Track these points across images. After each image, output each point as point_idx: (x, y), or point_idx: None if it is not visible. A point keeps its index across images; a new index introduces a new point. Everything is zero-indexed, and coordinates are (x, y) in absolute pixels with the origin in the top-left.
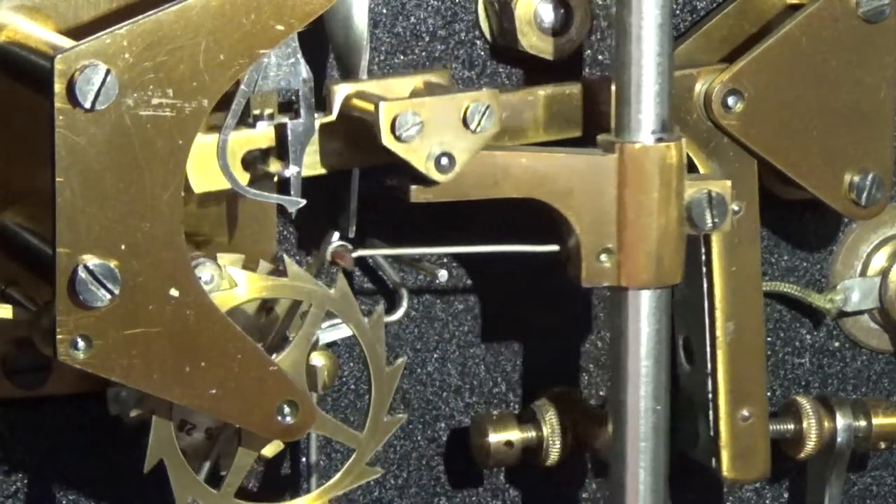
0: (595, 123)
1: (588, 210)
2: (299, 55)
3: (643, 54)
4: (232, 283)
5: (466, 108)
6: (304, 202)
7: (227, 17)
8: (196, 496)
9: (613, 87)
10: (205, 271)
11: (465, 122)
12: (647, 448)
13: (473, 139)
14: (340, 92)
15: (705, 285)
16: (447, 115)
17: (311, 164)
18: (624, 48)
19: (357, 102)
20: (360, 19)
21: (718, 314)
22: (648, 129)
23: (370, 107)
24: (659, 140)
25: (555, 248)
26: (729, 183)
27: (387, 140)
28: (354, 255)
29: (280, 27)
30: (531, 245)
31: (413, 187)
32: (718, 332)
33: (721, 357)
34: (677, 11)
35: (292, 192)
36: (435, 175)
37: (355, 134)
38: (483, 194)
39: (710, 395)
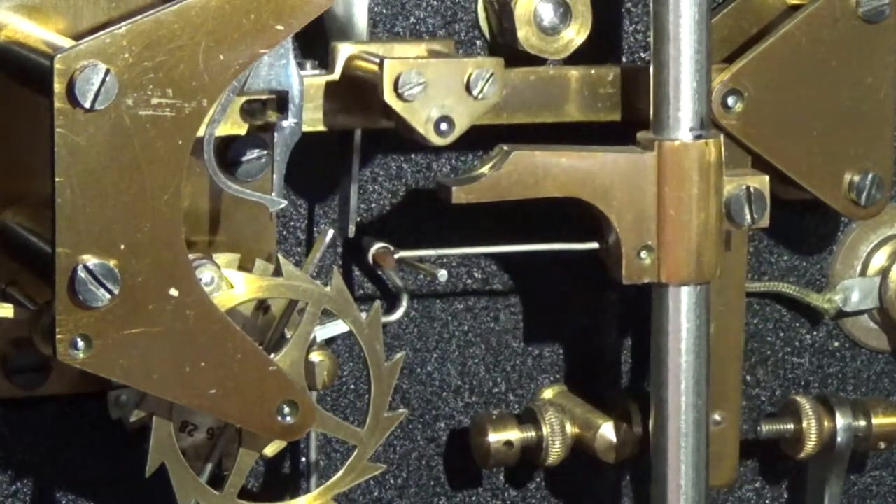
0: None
1: (628, 207)
2: (291, 56)
3: (681, 52)
4: (229, 284)
5: (470, 74)
6: (285, 203)
7: (227, 17)
8: (198, 498)
9: (651, 84)
10: (205, 272)
11: (468, 88)
12: (689, 443)
13: (475, 105)
14: (344, 51)
15: None
16: (451, 79)
17: (311, 121)
18: (661, 46)
19: (360, 63)
20: (360, 19)
21: None
22: (687, 126)
23: (373, 66)
24: (697, 137)
25: (594, 245)
26: (767, 178)
27: (389, 97)
28: (397, 256)
29: (280, 27)
30: (570, 244)
31: (454, 188)
32: None
33: None
34: None
35: (274, 193)
36: (433, 138)
37: (356, 95)
38: (524, 194)
39: None
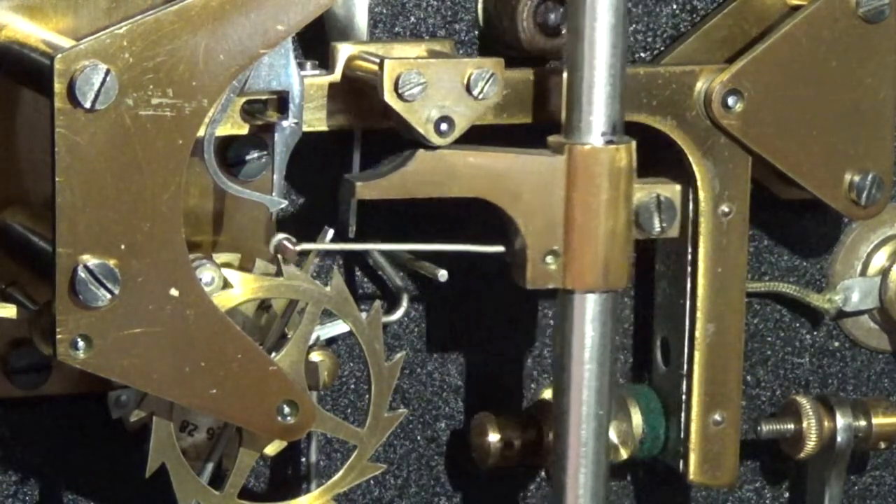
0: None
1: (535, 211)
2: (291, 56)
3: (595, 55)
4: (228, 284)
5: (470, 74)
6: (285, 203)
7: (227, 17)
8: (198, 498)
9: (564, 87)
10: (205, 272)
11: (468, 88)
12: (588, 453)
13: (475, 105)
14: (343, 51)
15: (688, 285)
16: (451, 79)
17: (311, 121)
18: (575, 48)
19: (360, 63)
20: (360, 19)
21: (699, 315)
22: (598, 130)
23: (374, 66)
24: (609, 142)
25: (500, 248)
26: (678, 187)
27: (389, 97)
28: (297, 248)
29: (280, 27)
30: (478, 245)
31: (359, 185)
32: (698, 334)
33: (698, 359)
34: (677, 11)
35: (274, 193)
36: (434, 138)
37: (356, 95)
38: (430, 193)
39: (683, 397)
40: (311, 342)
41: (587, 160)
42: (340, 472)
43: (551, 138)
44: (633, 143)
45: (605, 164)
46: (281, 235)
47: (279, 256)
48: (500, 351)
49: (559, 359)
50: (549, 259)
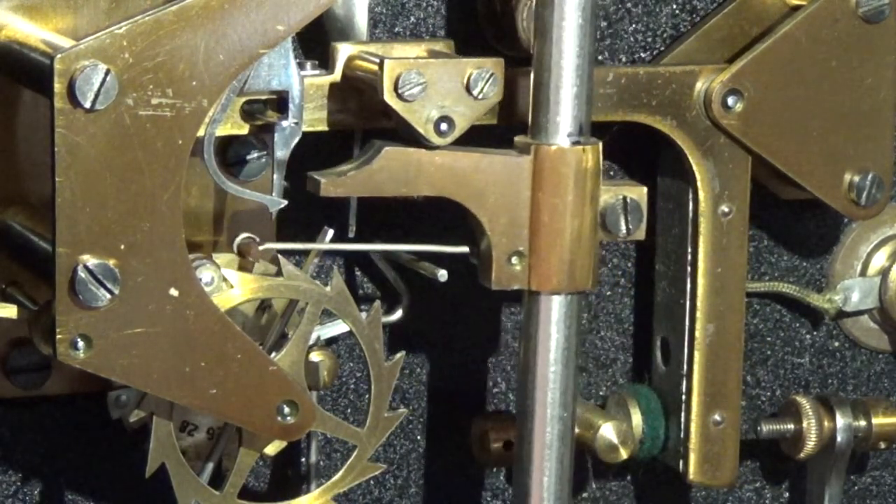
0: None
1: (501, 211)
2: (291, 56)
3: (563, 55)
4: (228, 284)
5: (470, 74)
6: (285, 203)
7: (227, 17)
8: (198, 498)
9: (531, 87)
10: (205, 272)
11: (468, 88)
12: (552, 455)
13: (475, 105)
14: (343, 51)
15: (688, 285)
16: (451, 79)
17: (311, 121)
18: (542, 48)
19: (360, 63)
20: (360, 19)
21: (699, 315)
22: (565, 131)
23: (374, 66)
24: (575, 143)
25: (465, 249)
26: (644, 189)
27: (389, 97)
28: (262, 248)
29: (280, 27)
30: (442, 245)
31: (323, 181)
32: (698, 334)
33: (698, 359)
34: (677, 11)
35: (274, 193)
36: (433, 138)
37: (356, 95)
38: (396, 191)
39: (683, 397)
40: (311, 342)
41: (553, 161)
42: (340, 472)
43: (518, 138)
44: (600, 144)
45: (572, 164)
46: (244, 235)
47: (244, 254)
48: (500, 351)
49: (524, 360)
50: (515, 260)
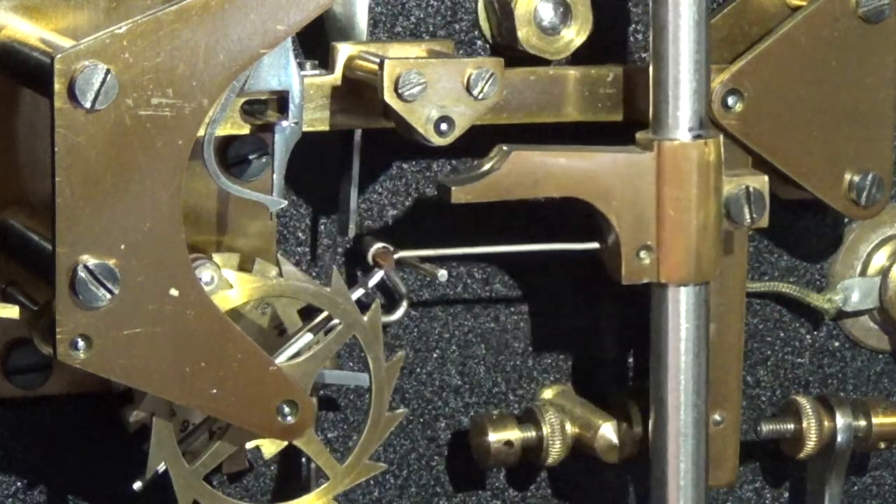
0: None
1: (627, 208)
2: (291, 56)
3: (680, 51)
4: (228, 284)
5: (470, 74)
6: (285, 203)
7: (227, 17)
8: (198, 498)
9: (650, 84)
10: (205, 272)
11: (468, 88)
12: (688, 443)
13: (475, 105)
14: (343, 51)
15: None
16: (450, 79)
17: (311, 121)
18: (661, 45)
19: (360, 63)
20: (361, 19)
21: None
22: (686, 126)
23: (374, 66)
24: (697, 137)
25: (595, 245)
26: (766, 178)
27: (389, 97)
28: (397, 256)
29: (280, 27)
30: (571, 243)
31: (454, 188)
32: None
33: None
34: None
35: (274, 193)
36: (433, 138)
37: (356, 95)
38: (524, 194)
39: None
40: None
41: (676, 156)
42: (340, 472)
43: (640, 135)
44: (721, 137)
45: (694, 159)
46: (379, 244)
47: (379, 264)
48: (500, 351)
49: (657, 352)
50: (643, 254)
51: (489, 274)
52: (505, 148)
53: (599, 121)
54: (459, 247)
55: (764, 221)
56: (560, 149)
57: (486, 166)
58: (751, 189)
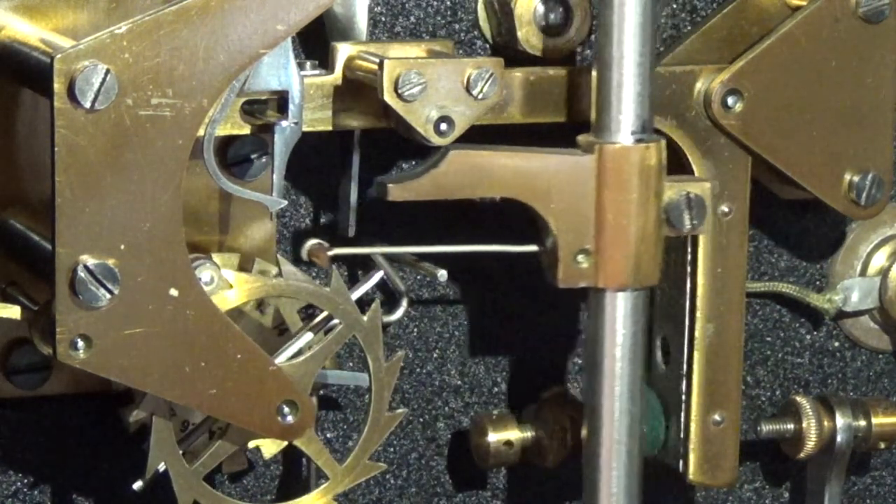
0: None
1: (566, 210)
2: (291, 56)
3: (624, 55)
4: (227, 284)
5: (470, 74)
6: (285, 203)
7: (227, 17)
8: (198, 497)
9: (593, 87)
10: (205, 272)
11: (467, 88)
12: (622, 450)
13: (475, 105)
14: (343, 51)
15: (688, 285)
16: (450, 79)
17: (311, 121)
18: (605, 48)
19: (360, 63)
20: (361, 19)
21: (699, 315)
22: (628, 129)
23: (374, 66)
24: (639, 141)
25: (533, 248)
26: (708, 185)
27: (388, 97)
28: (330, 253)
29: (280, 27)
30: (511, 245)
31: (391, 186)
32: (697, 334)
33: (698, 358)
34: (677, 11)
35: (274, 193)
36: (433, 138)
37: (356, 95)
38: (463, 194)
39: (683, 397)
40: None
41: (617, 159)
42: (340, 472)
43: (581, 137)
44: (663, 142)
45: (636, 162)
46: (314, 241)
47: (313, 260)
48: (500, 351)
49: (591, 357)
50: (581, 258)
51: (489, 274)
52: (446, 146)
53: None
54: (437, 245)
55: (704, 228)
56: (501, 149)
57: (426, 165)
58: (692, 195)
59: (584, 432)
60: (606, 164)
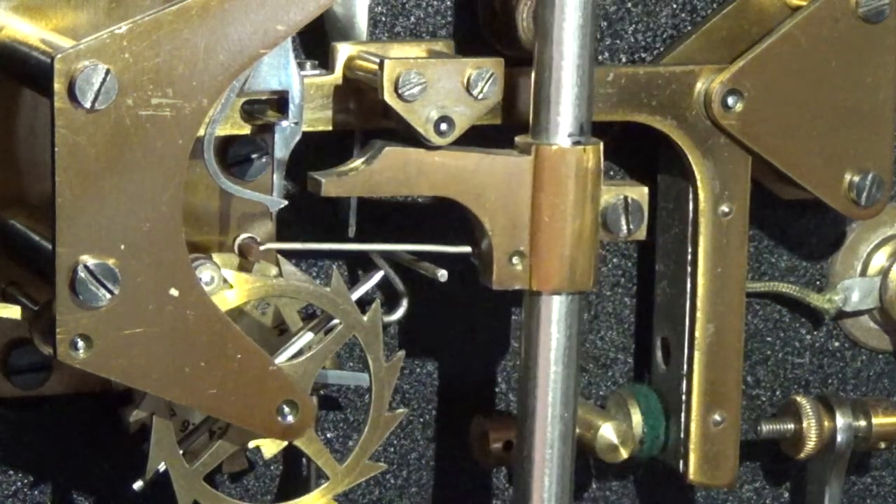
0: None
1: (502, 211)
2: (291, 56)
3: (563, 56)
4: (227, 284)
5: (470, 74)
6: (285, 203)
7: (227, 17)
8: (198, 498)
9: (532, 88)
10: (205, 272)
11: (468, 88)
12: (554, 455)
13: (475, 105)
14: (343, 51)
15: (688, 285)
16: (450, 79)
17: (312, 121)
18: (543, 48)
19: (360, 63)
20: (361, 19)
21: (699, 315)
22: (566, 131)
23: (374, 66)
24: (576, 143)
25: (467, 249)
26: (646, 189)
27: (389, 97)
28: (262, 248)
29: (280, 27)
30: (445, 245)
31: (324, 181)
32: (698, 334)
33: (698, 358)
34: (677, 11)
35: (274, 193)
36: (434, 138)
37: (356, 95)
38: (396, 191)
39: (683, 397)
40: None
41: (554, 161)
42: (340, 472)
43: (519, 138)
44: (601, 145)
45: (572, 164)
46: (245, 235)
47: (244, 254)
48: (500, 351)
49: (525, 360)
50: (516, 260)
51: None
52: (378, 143)
53: (599, 121)
54: (375, 244)
55: (641, 234)
56: (437, 147)
57: (359, 161)
58: (629, 199)
59: (516, 437)
60: (543, 165)
